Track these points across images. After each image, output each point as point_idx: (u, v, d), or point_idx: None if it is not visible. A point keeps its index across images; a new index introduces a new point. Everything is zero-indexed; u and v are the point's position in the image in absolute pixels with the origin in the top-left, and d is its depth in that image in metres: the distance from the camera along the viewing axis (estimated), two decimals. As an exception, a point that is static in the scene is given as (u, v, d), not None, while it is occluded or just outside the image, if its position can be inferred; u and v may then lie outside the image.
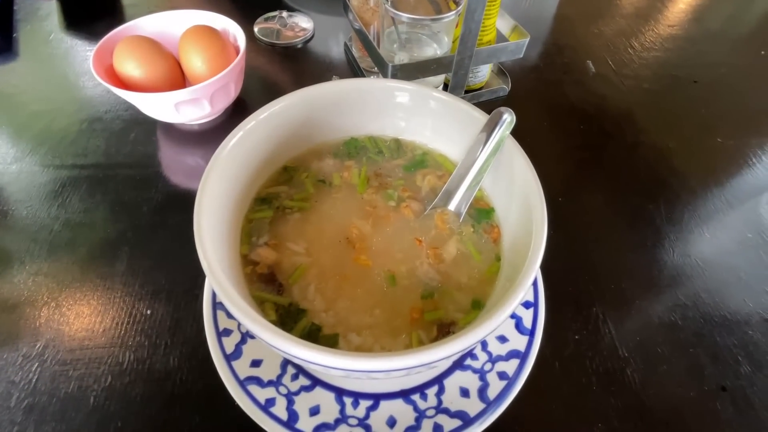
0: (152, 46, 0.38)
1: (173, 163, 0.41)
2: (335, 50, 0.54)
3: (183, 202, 0.37)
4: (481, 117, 0.25)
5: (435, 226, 0.27)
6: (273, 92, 0.47)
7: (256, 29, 0.55)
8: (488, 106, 0.47)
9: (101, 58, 0.39)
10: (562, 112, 0.48)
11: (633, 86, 0.51)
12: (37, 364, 0.28)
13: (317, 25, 0.56)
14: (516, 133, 0.25)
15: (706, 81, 0.52)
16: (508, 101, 0.48)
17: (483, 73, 0.46)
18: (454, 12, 0.37)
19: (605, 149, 0.44)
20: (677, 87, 0.51)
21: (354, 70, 0.50)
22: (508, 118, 0.24)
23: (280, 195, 0.28)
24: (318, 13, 0.59)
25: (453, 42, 0.42)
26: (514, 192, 0.24)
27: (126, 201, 0.37)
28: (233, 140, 0.23)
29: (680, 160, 0.43)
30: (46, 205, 0.37)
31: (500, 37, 0.46)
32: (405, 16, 0.36)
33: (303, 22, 0.56)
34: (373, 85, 0.29)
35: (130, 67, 0.37)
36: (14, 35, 0.54)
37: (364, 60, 0.49)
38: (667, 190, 0.40)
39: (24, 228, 0.35)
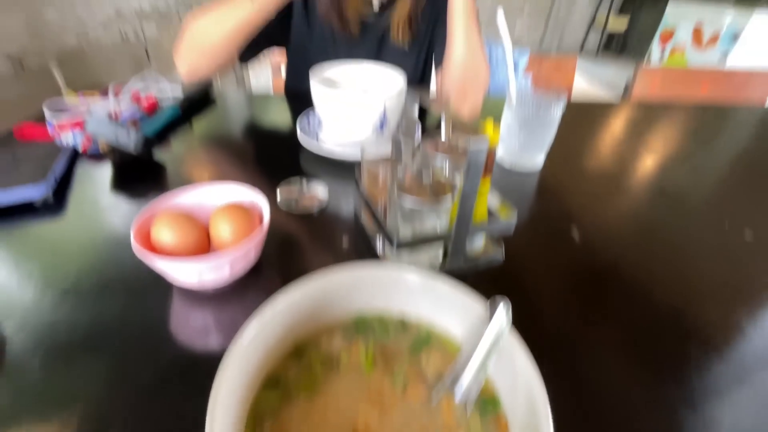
0: (187, 219, 0.44)
1: (182, 326, 0.42)
2: (346, 216, 0.60)
3: (187, 367, 0.37)
4: (478, 306, 0.28)
5: (442, 415, 0.26)
6: (288, 256, 0.51)
7: (278, 196, 0.63)
8: (486, 274, 0.51)
9: (140, 226, 0.44)
10: (556, 275, 0.51)
11: (618, 251, 0.55)
12: None
13: (331, 192, 0.64)
14: (515, 299, 0.27)
15: (689, 250, 0.57)
16: (504, 268, 0.52)
17: (479, 242, 0.51)
18: (449, 196, 0.43)
19: (603, 311, 0.46)
20: (661, 254, 0.56)
21: (362, 235, 0.56)
22: (504, 309, 0.27)
23: (288, 376, 0.28)
24: (332, 178, 0.68)
25: (451, 214, 0.48)
26: (518, 386, 0.25)
27: (129, 363, 0.37)
28: (250, 334, 0.25)
29: (681, 324, 0.44)
30: (44, 364, 0.36)
31: (491, 212, 0.52)
32: (409, 199, 0.42)
33: (319, 191, 0.64)
34: (382, 271, 0.32)
35: (165, 236, 0.42)
36: (67, 194, 0.62)
37: (371, 227, 0.55)
38: (677, 354, 0.40)
39: (15, 388, 0.34)
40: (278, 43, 0.99)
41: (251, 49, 0.89)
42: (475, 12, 0.84)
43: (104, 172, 0.69)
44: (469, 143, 0.38)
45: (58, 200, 0.61)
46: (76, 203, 0.61)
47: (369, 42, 0.95)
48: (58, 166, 0.62)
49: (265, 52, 0.97)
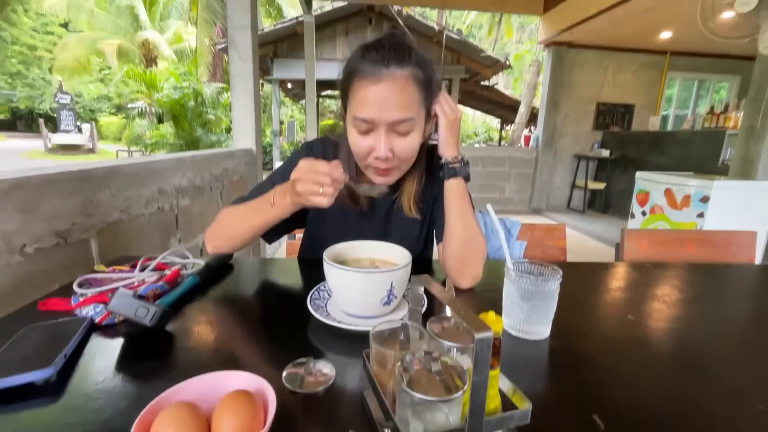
0: (189, 414, 0.43)
1: None
2: (353, 396, 0.58)
3: None
4: None
5: None
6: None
7: (284, 374, 0.61)
8: (506, 474, 0.46)
9: (142, 421, 0.42)
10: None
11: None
12: None
13: (338, 370, 0.63)
14: None
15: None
16: (525, 466, 0.47)
17: (495, 437, 0.48)
18: (460, 392, 0.42)
19: None
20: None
21: (369, 422, 0.53)
22: None
23: None
24: (340, 350, 0.68)
25: (464, 405, 0.46)
26: None
27: None
28: None
29: None
30: None
31: (505, 400, 0.50)
32: (417, 396, 0.42)
33: (326, 369, 0.63)
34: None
35: (166, 436, 0.40)
36: (73, 370, 0.61)
37: (377, 413, 0.52)
38: None
39: None
40: (298, 227, 1.13)
41: (274, 233, 1.03)
42: (467, 193, 0.98)
43: (115, 345, 0.69)
44: (474, 338, 0.40)
45: (62, 377, 0.59)
46: (79, 381, 0.59)
47: (378, 216, 1.08)
48: (71, 346, 0.63)
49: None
